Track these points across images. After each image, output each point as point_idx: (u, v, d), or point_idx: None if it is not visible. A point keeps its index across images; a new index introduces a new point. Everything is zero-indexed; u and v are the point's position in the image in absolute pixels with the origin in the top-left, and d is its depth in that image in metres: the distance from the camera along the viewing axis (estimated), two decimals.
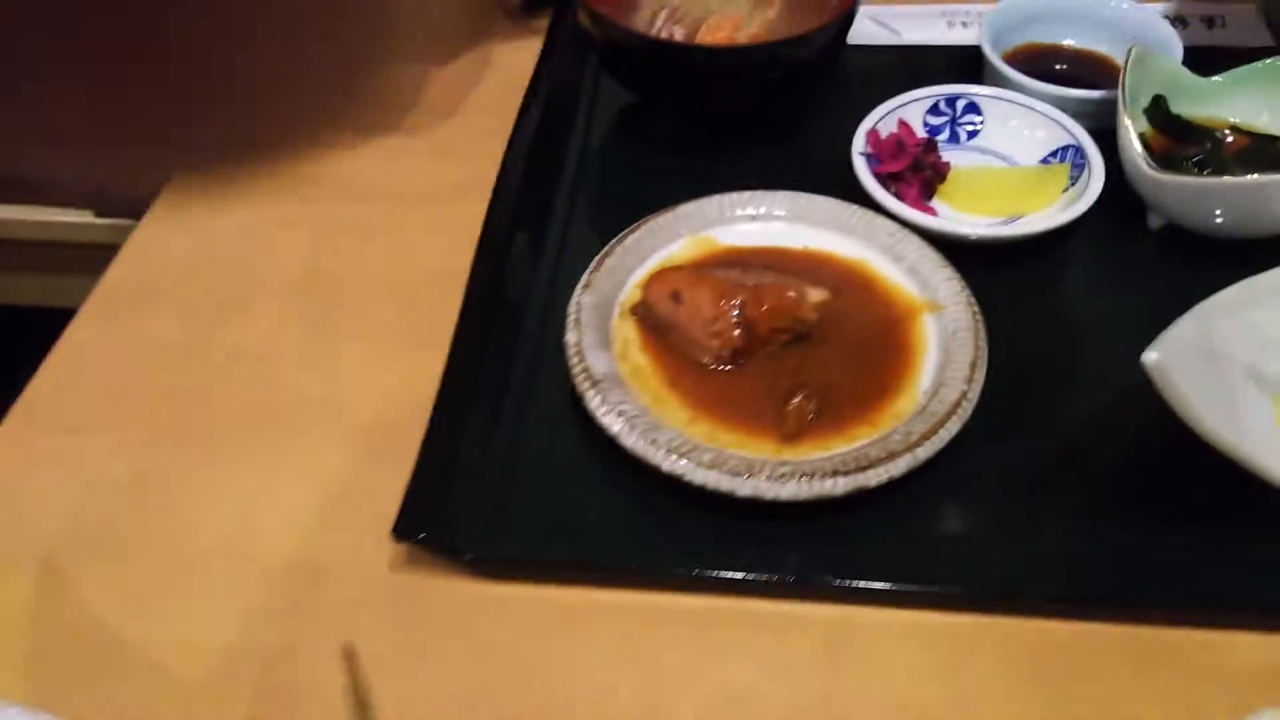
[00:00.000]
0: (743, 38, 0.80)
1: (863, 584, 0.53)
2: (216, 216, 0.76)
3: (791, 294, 0.62)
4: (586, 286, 0.64)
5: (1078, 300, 0.70)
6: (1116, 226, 0.73)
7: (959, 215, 0.74)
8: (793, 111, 0.84)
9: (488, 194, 0.74)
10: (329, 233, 0.74)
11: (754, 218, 0.70)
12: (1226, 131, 0.76)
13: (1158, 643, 0.52)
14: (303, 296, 0.70)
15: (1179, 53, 0.80)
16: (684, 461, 0.54)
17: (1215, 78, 0.76)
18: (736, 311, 0.61)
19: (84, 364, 0.67)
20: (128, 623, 0.53)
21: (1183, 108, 0.76)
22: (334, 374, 0.65)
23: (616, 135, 0.83)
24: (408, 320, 0.68)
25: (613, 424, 0.56)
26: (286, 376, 0.65)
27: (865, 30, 0.94)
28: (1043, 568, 0.55)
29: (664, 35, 0.80)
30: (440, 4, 0.99)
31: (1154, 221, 0.73)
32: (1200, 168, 0.71)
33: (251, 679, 0.51)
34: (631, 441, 0.55)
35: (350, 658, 0.50)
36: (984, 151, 0.79)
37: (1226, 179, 0.66)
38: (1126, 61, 0.73)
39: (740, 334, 0.61)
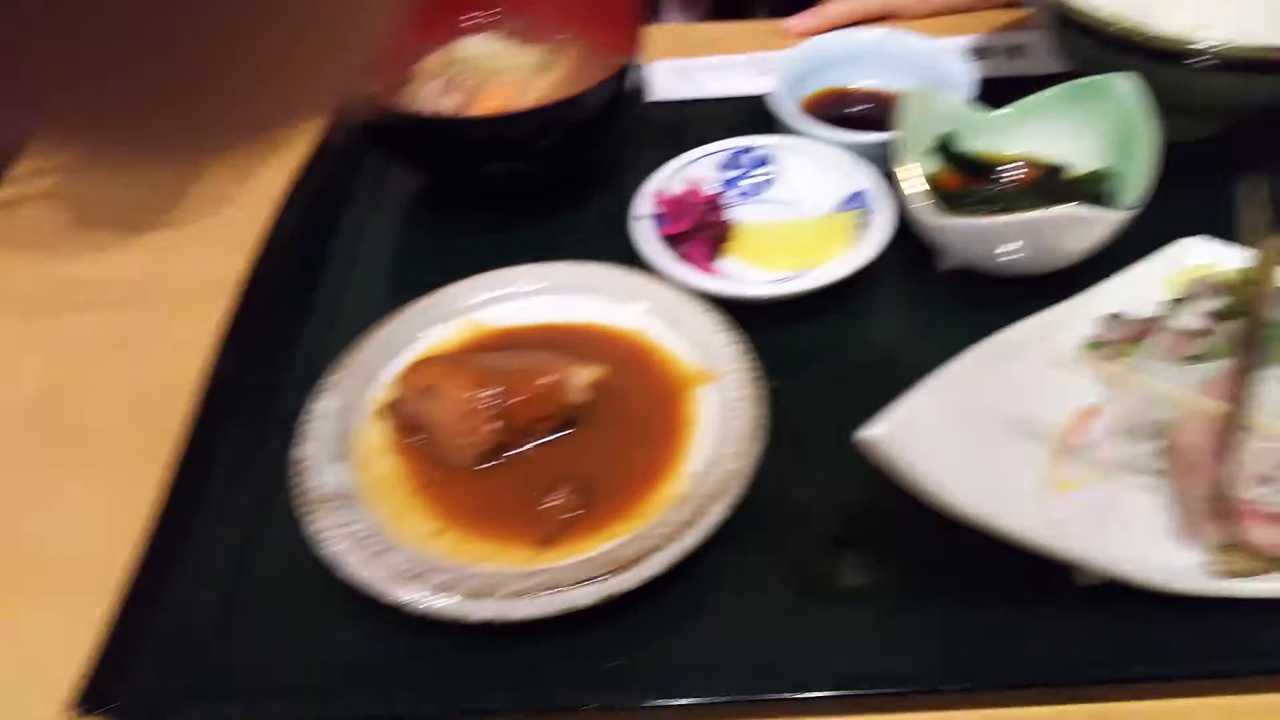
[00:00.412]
0: (522, 104, 0.76)
1: (629, 704, 0.48)
2: None
3: (554, 378, 0.58)
4: (325, 390, 0.58)
5: (868, 353, 0.67)
6: (907, 272, 0.70)
7: (749, 272, 0.71)
8: (581, 176, 0.80)
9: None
10: (71, 349, 0.68)
11: (529, 294, 0.66)
12: (1018, 164, 0.74)
13: None
14: (32, 423, 0.63)
15: (969, 88, 0.78)
16: (409, 589, 0.49)
17: (1003, 111, 0.74)
18: (493, 404, 0.56)
19: None
20: None
21: (975, 143, 0.74)
22: (48, 513, 0.59)
23: (394, 215, 0.79)
24: (141, 444, 0.61)
25: (334, 549, 0.51)
26: None
27: (668, 85, 0.91)
28: (826, 663, 0.50)
29: (441, 105, 0.76)
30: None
31: (944, 262, 0.70)
32: (986, 205, 0.69)
33: None
34: (351, 569, 0.50)
35: None
36: (779, 203, 0.76)
37: (991, 220, 0.63)
38: (902, 104, 0.70)
39: (497, 428, 0.56)
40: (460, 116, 0.72)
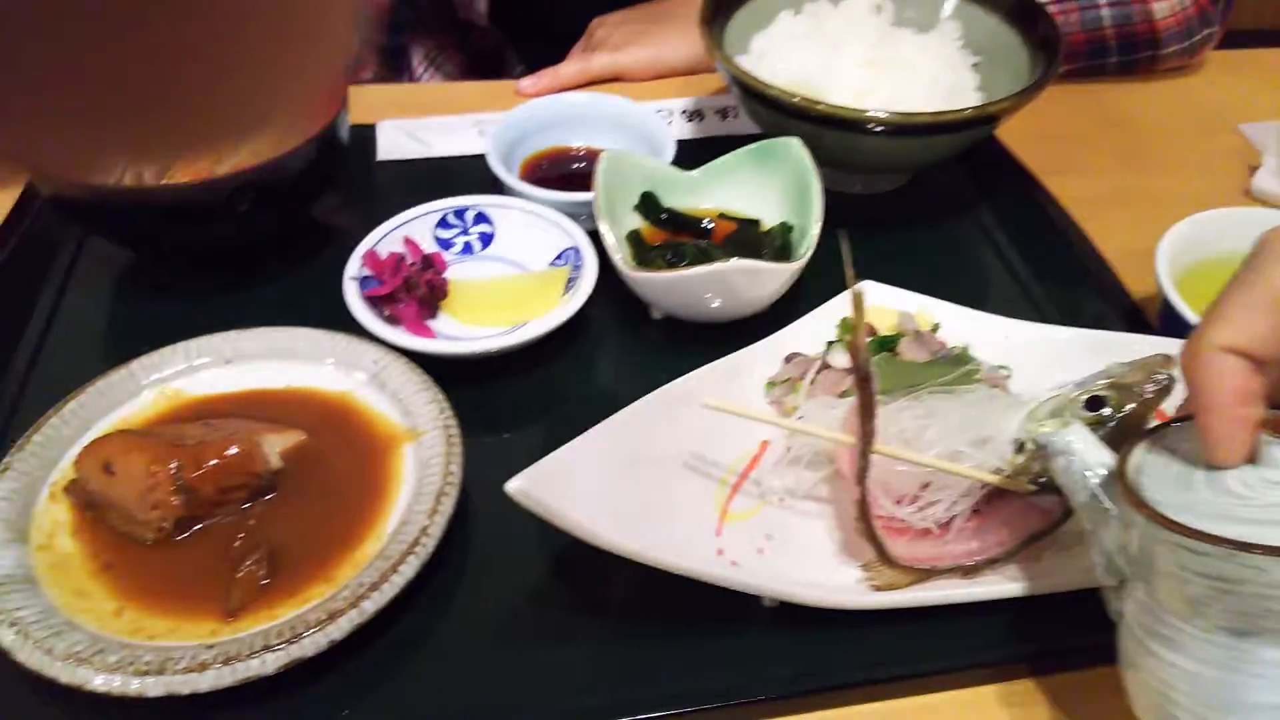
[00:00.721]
0: (225, 169, 0.76)
1: None
2: None
3: (239, 449, 0.57)
4: (4, 469, 0.56)
5: (584, 401, 0.70)
6: (621, 322, 0.74)
7: (463, 330, 0.73)
8: (299, 238, 0.80)
9: None
10: None
11: (228, 360, 0.65)
12: (712, 219, 0.80)
13: None
14: None
15: (670, 150, 0.84)
16: (80, 671, 0.47)
17: (694, 171, 0.80)
18: (175, 477, 0.55)
19: None
20: None
21: (676, 200, 0.80)
22: None
23: (98, 288, 0.76)
24: None
25: (4, 637, 0.48)
26: None
27: (395, 143, 0.92)
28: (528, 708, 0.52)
29: (136, 175, 0.74)
30: None
31: (656, 312, 0.75)
32: (677, 257, 0.74)
33: None
34: (24, 655, 0.48)
35: None
36: (498, 259, 0.79)
37: (679, 273, 0.68)
38: (600, 165, 0.75)
39: (180, 501, 0.55)
40: (154, 185, 0.71)
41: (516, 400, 0.69)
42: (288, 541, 0.56)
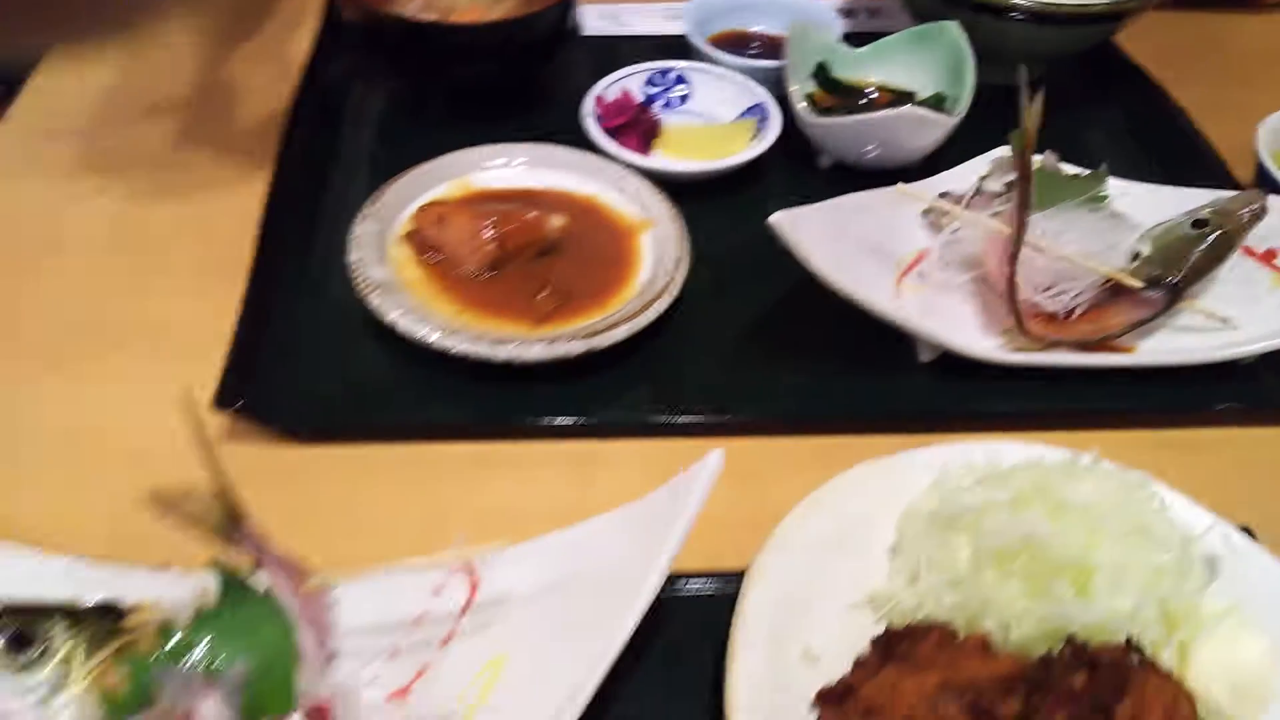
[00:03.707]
0: (496, 14, 0.94)
1: (599, 422, 0.68)
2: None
3: (535, 214, 0.76)
4: (364, 218, 0.75)
5: (764, 219, 0.88)
6: (795, 166, 0.92)
7: (673, 161, 0.90)
8: (535, 84, 0.99)
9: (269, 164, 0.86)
10: (136, 197, 0.85)
11: (505, 164, 0.84)
12: (874, 89, 0.96)
13: (824, 448, 0.69)
14: (113, 249, 0.80)
15: (838, 31, 1.01)
16: (453, 339, 0.67)
17: (862, 49, 0.97)
18: (491, 230, 0.74)
19: None
20: None
21: (841, 72, 0.96)
22: (147, 304, 0.76)
23: (390, 109, 0.97)
24: (209, 261, 0.79)
25: (391, 315, 0.68)
26: (108, 306, 0.76)
27: (598, 25, 1.10)
28: (735, 401, 0.71)
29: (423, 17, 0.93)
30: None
31: (823, 161, 0.92)
32: (847, 111, 0.91)
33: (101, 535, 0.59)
34: (407, 327, 0.67)
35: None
36: (693, 113, 0.96)
37: (856, 117, 0.85)
38: (790, 35, 0.92)
39: (495, 247, 0.74)
40: (446, 22, 0.89)
41: (716, 214, 0.86)
42: (569, 283, 0.74)
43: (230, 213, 0.81)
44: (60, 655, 0.50)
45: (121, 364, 0.72)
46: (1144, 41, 1.03)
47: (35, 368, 0.72)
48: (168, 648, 0.50)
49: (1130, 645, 0.51)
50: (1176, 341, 0.74)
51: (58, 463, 0.66)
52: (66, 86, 0.98)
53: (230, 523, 0.50)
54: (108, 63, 1.01)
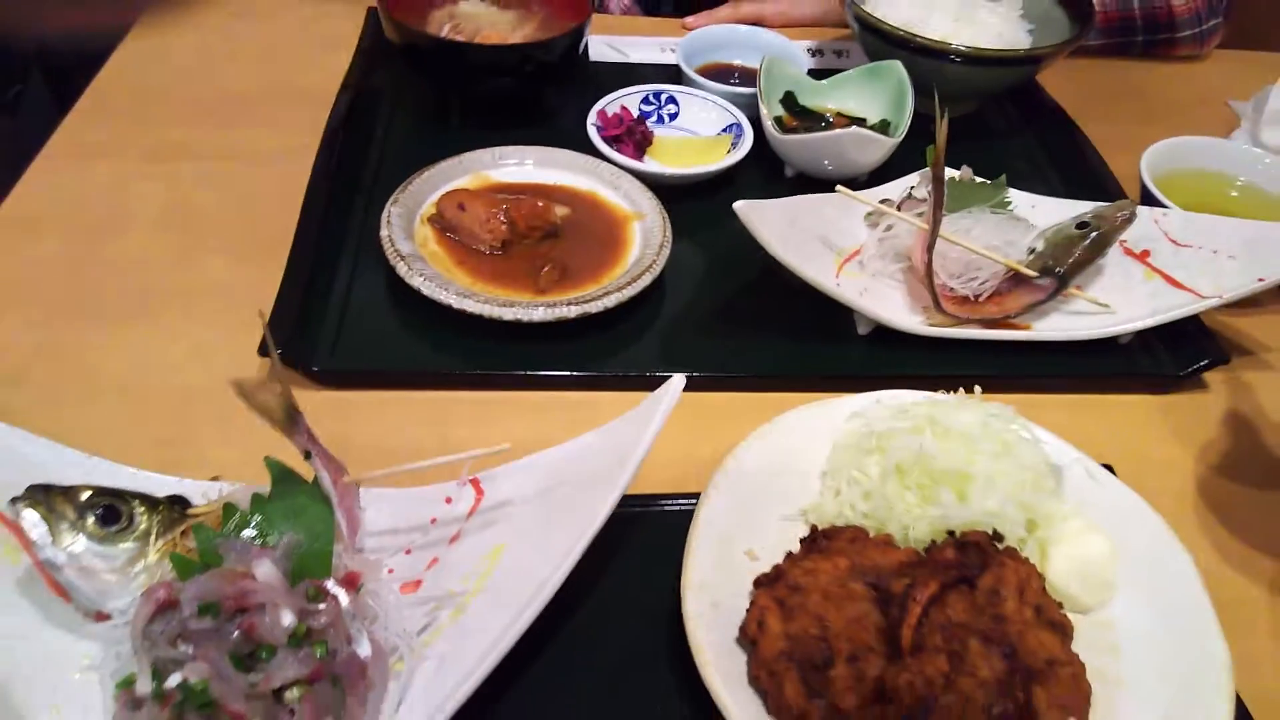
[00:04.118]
0: (518, 38, 1.11)
1: (590, 375, 0.83)
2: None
3: (542, 203, 0.92)
4: (395, 202, 0.91)
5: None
6: (764, 175, 1.08)
7: (662, 166, 1.06)
8: (547, 100, 1.15)
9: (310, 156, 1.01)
10: (187, 181, 1.00)
11: (517, 163, 1.00)
12: (832, 115, 1.13)
13: (777, 401, 0.84)
14: (167, 225, 0.95)
15: (805, 66, 1.17)
16: (468, 300, 0.82)
17: (823, 81, 1.13)
18: (503, 215, 0.90)
19: None
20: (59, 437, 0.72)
21: (805, 100, 1.13)
22: (197, 275, 0.91)
23: (420, 113, 1.13)
24: (254, 238, 0.94)
25: (415, 280, 0.83)
26: (161, 275, 0.90)
27: (603, 53, 1.27)
28: (704, 361, 0.86)
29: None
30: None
31: (788, 171, 1.08)
32: (808, 131, 1.07)
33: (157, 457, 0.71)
34: (430, 291, 0.83)
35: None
36: (680, 128, 1.13)
37: (815, 134, 1.02)
38: (760, 67, 1.08)
39: (506, 229, 0.90)
40: (473, 43, 1.05)
41: (696, 211, 1.02)
42: (568, 262, 0.90)
43: (278, 196, 0.96)
44: (139, 530, 0.61)
45: (179, 321, 0.86)
46: (1068, 84, 1.21)
47: (101, 324, 0.86)
48: (230, 524, 0.61)
49: (994, 534, 0.67)
50: (1066, 322, 0.90)
51: (122, 400, 0.79)
52: (135, 80, 1.14)
53: (289, 415, 0.63)
54: (173, 60, 1.18)
